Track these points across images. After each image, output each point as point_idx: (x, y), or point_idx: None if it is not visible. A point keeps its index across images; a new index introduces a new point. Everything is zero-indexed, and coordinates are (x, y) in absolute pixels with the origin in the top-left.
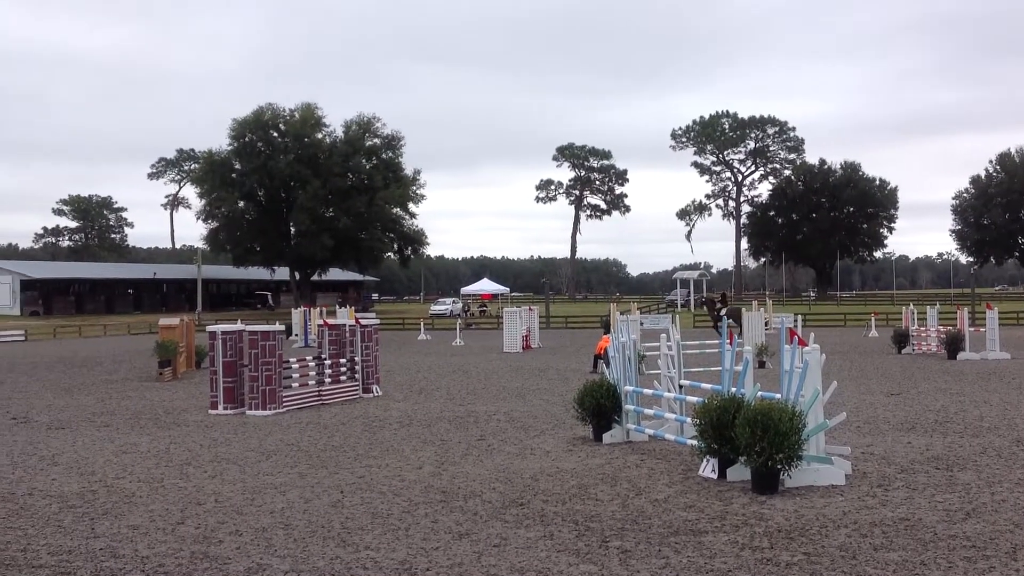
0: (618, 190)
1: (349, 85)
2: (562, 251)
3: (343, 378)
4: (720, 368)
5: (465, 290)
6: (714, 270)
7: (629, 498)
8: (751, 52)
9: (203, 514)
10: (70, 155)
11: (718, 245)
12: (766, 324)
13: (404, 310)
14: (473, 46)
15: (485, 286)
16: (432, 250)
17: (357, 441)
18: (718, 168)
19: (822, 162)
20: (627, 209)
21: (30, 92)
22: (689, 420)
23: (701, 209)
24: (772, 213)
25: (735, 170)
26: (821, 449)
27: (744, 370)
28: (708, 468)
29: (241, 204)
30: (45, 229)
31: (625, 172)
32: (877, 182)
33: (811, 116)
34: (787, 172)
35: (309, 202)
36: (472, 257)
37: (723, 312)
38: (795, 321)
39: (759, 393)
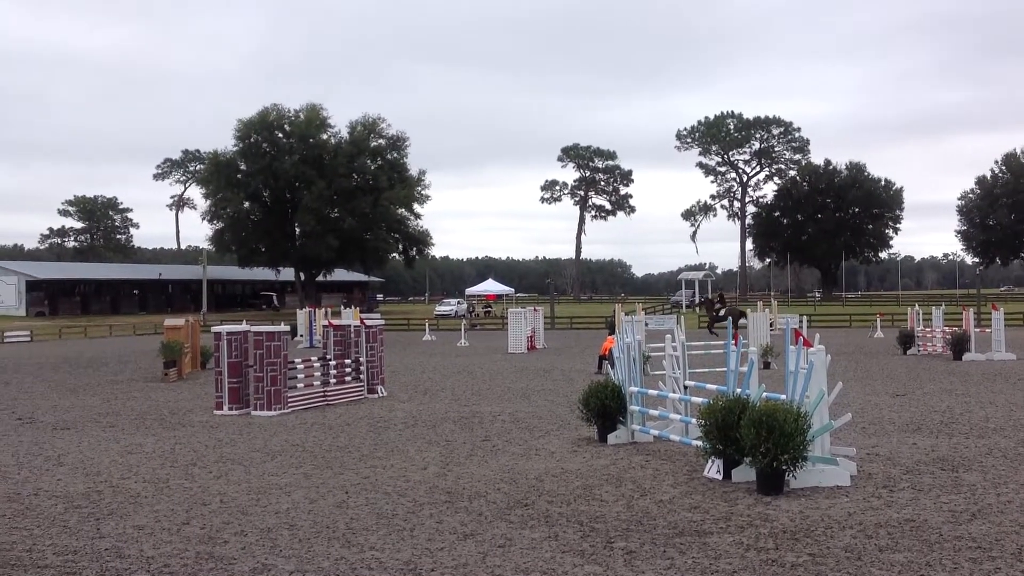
0: (623, 190)
1: (349, 85)
2: (567, 252)
3: (348, 379)
4: (725, 369)
5: (470, 291)
6: (719, 271)
7: (634, 499)
8: (752, 52)
9: (208, 514)
10: (70, 155)
11: (723, 246)
12: (771, 325)
13: (409, 311)
14: (473, 46)
15: (490, 287)
16: (437, 251)
17: (362, 442)
18: (723, 169)
19: (827, 162)
20: (632, 210)
21: (30, 92)
22: (694, 421)
23: (706, 210)
24: (777, 214)
25: (740, 171)
26: (826, 450)
27: (749, 371)
28: (713, 469)
29: (246, 205)
30: (51, 230)
31: (630, 172)
32: (882, 182)
33: (815, 116)
34: (792, 172)
35: (314, 203)
36: (477, 258)
37: (721, 313)
38: (800, 322)
39: (764, 394)
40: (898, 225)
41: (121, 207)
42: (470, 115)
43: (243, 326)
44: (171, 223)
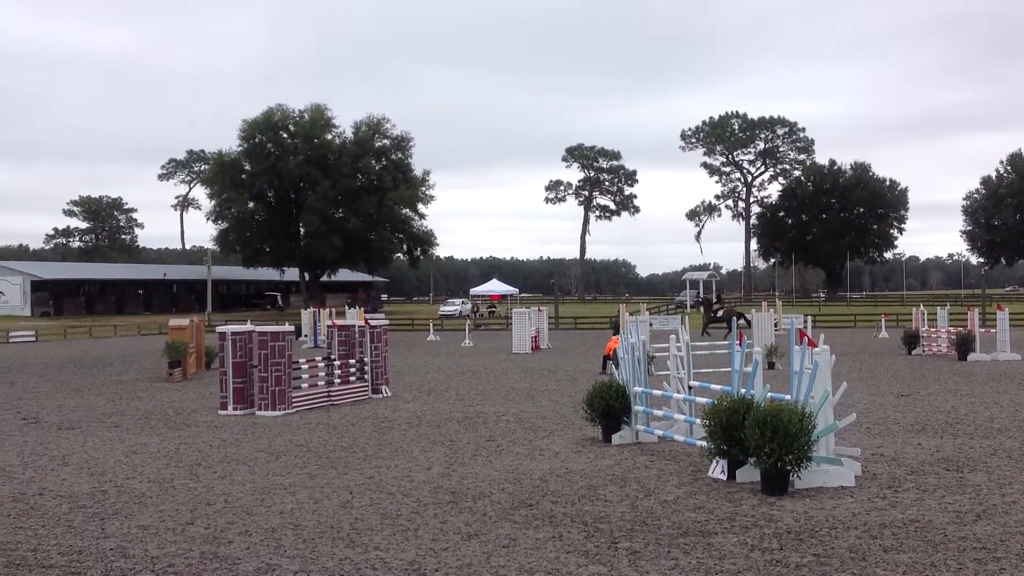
0: (627, 191)
1: (350, 86)
2: (571, 252)
3: (352, 379)
4: (729, 369)
5: (474, 291)
6: (724, 271)
7: (638, 499)
8: (753, 52)
9: (213, 514)
10: (71, 156)
11: (728, 246)
12: (776, 325)
13: (413, 311)
14: (473, 46)
15: (494, 287)
16: (441, 251)
17: (366, 442)
18: (728, 169)
19: (832, 163)
20: (636, 210)
21: (30, 92)
22: (698, 421)
23: (711, 210)
24: (782, 214)
25: (745, 171)
26: (831, 450)
27: (754, 371)
28: (718, 469)
29: (251, 205)
30: (56, 230)
31: (635, 173)
32: (887, 183)
33: (819, 116)
34: (797, 173)
35: (319, 203)
36: (481, 258)
37: (719, 313)
38: (804, 322)
39: (769, 394)
40: (903, 225)
41: (126, 207)
42: (471, 115)
43: (247, 326)
44: (176, 223)
